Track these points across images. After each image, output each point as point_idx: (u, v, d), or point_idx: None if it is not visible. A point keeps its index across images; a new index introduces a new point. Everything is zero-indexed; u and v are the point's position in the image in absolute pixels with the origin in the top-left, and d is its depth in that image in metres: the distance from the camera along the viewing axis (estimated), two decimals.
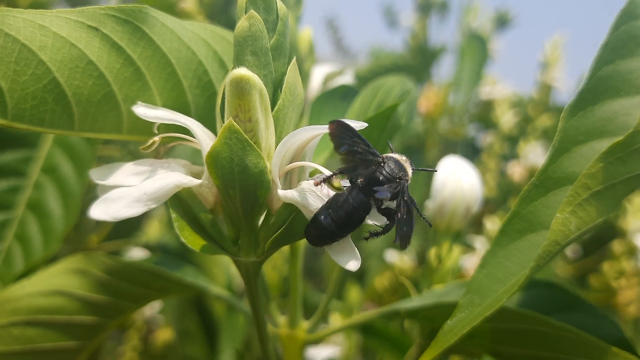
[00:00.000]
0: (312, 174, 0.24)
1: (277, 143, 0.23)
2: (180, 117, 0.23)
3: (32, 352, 0.33)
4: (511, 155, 0.86)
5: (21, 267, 0.39)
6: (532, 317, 0.26)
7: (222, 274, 0.57)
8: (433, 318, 0.32)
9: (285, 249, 0.55)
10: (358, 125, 0.23)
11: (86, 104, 0.23)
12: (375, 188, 0.21)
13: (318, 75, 0.50)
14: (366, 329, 0.56)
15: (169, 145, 0.25)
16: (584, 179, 0.22)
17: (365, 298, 0.70)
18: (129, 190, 0.22)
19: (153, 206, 0.21)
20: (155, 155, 0.25)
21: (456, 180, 0.36)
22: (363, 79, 0.87)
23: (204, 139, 0.23)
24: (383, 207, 0.22)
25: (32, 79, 0.21)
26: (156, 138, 0.23)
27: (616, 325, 0.30)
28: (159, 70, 0.25)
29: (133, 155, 0.59)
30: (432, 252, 0.38)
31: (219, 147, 0.21)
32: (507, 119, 0.88)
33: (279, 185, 0.22)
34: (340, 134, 0.21)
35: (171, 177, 0.22)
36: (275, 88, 0.24)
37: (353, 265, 0.21)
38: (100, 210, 0.21)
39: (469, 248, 0.68)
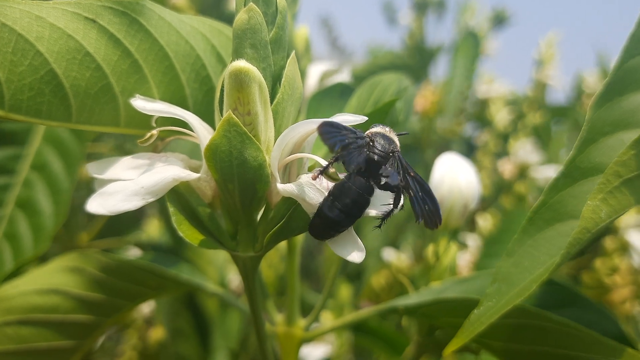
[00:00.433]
0: (311, 168, 0.24)
1: (276, 136, 0.23)
2: (179, 110, 0.23)
3: (26, 352, 0.33)
4: (505, 153, 0.87)
5: (11, 266, 0.39)
6: (536, 313, 0.26)
7: (215, 274, 0.57)
8: (432, 315, 0.32)
9: (282, 246, 0.55)
10: (358, 118, 0.23)
11: (83, 96, 0.23)
12: (382, 172, 0.21)
13: (314, 73, 0.50)
14: (359, 328, 0.56)
15: (167, 139, 0.25)
16: (615, 166, 0.22)
17: (363, 297, 0.70)
18: (126, 184, 0.21)
19: (151, 200, 0.21)
20: (153, 149, 0.24)
21: (453, 177, 0.36)
22: (360, 78, 0.86)
23: (203, 133, 0.23)
24: (382, 183, 0.22)
25: (29, 70, 0.21)
26: (154, 131, 0.23)
27: (614, 321, 0.30)
28: (157, 63, 0.24)
29: (127, 153, 0.59)
30: (430, 250, 0.37)
31: (217, 140, 0.21)
32: (501, 116, 0.89)
33: (278, 179, 0.22)
34: (329, 133, 0.21)
35: (169, 170, 0.22)
36: (274, 81, 0.24)
37: (357, 256, 0.21)
38: (97, 204, 0.21)
39: (461, 245, 0.68)
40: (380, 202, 0.23)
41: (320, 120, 0.21)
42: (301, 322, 0.36)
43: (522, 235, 0.25)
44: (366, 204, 0.22)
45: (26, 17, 0.21)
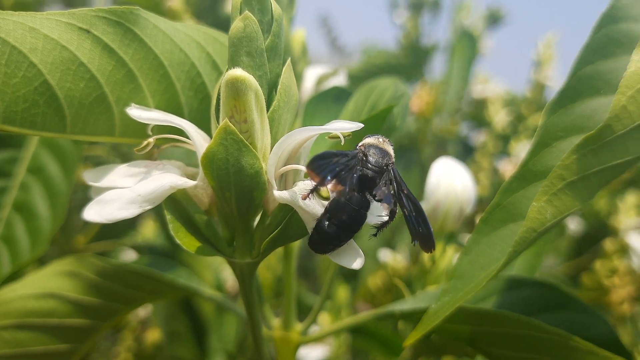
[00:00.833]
0: (307, 175, 0.24)
1: (272, 144, 0.23)
2: (175, 118, 0.23)
3: (23, 356, 0.33)
4: (504, 153, 0.87)
5: (8, 269, 0.39)
6: (525, 322, 0.26)
7: (211, 277, 0.57)
8: None
9: (280, 248, 0.55)
10: (354, 126, 0.23)
11: (78, 107, 0.23)
12: (375, 193, 0.22)
13: (311, 76, 0.50)
14: (357, 330, 0.56)
15: (162, 146, 0.25)
16: (559, 170, 0.23)
17: (359, 298, 0.70)
18: (123, 192, 0.21)
19: (148, 208, 0.21)
20: (149, 157, 0.25)
21: (449, 181, 0.36)
22: (356, 78, 0.87)
23: (199, 141, 0.23)
24: (377, 198, 0.22)
25: (23, 82, 0.21)
26: (150, 139, 0.23)
27: (607, 323, 0.30)
28: (152, 72, 0.24)
29: (123, 156, 0.59)
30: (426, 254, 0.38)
31: (214, 148, 0.21)
32: (500, 117, 0.89)
33: (275, 186, 0.22)
34: (319, 168, 0.21)
35: (166, 178, 0.22)
36: (270, 89, 0.24)
37: (358, 263, 0.22)
38: (94, 212, 0.21)
39: (461, 247, 0.68)
40: (377, 213, 0.23)
41: (314, 132, 0.21)
42: (298, 327, 0.36)
43: (478, 235, 0.26)
44: (363, 218, 0.22)
45: (20, 28, 0.21)
